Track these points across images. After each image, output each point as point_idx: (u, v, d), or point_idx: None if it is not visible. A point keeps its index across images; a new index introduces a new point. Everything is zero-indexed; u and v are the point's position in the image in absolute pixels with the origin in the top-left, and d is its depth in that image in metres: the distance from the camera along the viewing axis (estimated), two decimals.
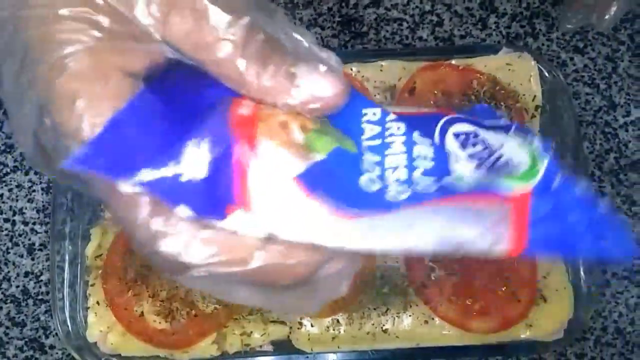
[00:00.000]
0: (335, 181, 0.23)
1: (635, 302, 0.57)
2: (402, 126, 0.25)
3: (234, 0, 0.23)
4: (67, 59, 0.21)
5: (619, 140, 0.60)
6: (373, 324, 0.49)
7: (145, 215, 0.22)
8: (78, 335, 0.50)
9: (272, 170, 0.22)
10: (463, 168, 0.24)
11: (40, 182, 0.59)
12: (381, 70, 0.54)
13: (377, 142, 0.25)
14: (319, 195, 0.22)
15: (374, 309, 0.50)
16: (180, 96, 0.23)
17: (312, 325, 0.49)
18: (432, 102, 0.53)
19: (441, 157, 0.25)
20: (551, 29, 0.62)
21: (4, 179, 0.60)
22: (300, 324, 0.50)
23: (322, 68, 0.23)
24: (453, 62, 0.54)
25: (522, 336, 0.49)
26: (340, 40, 0.62)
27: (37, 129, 0.23)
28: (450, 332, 0.49)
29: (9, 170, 0.60)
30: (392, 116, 0.26)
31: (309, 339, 0.49)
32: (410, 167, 0.24)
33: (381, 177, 0.24)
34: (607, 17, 0.43)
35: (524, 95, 0.53)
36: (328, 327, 0.49)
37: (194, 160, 0.22)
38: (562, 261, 0.51)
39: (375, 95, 0.54)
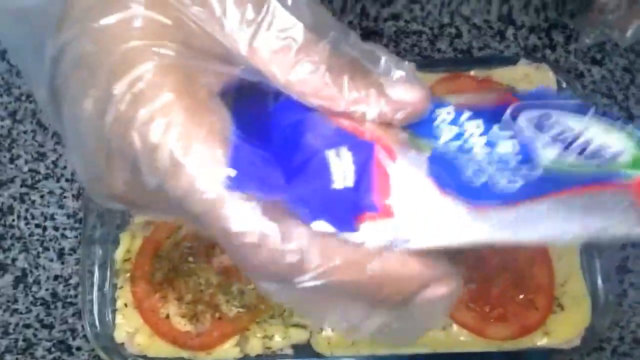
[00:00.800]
0: (451, 177, 0.23)
1: None
2: (480, 124, 0.25)
3: (318, 19, 0.24)
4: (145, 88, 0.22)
5: None
6: None
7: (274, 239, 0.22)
8: (106, 336, 0.52)
9: (409, 171, 0.23)
10: (549, 153, 0.24)
11: (71, 189, 0.62)
12: None
13: (458, 143, 0.25)
14: (449, 191, 0.23)
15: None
16: (255, 117, 0.24)
17: (332, 330, 0.51)
18: None
19: (525, 147, 0.24)
20: (569, 41, 0.63)
21: (36, 186, 0.62)
22: (321, 328, 0.51)
23: (404, 75, 0.25)
24: (472, 73, 0.56)
25: (539, 343, 0.50)
26: None
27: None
28: (468, 339, 0.50)
29: (41, 177, 0.62)
30: (466, 114, 0.25)
31: (328, 343, 0.50)
32: (501, 162, 0.24)
33: (482, 171, 0.24)
34: (627, 34, 0.44)
35: None
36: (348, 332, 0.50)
37: (341, 169, 0.22)
38: (580, 269, 0.51)
39: None
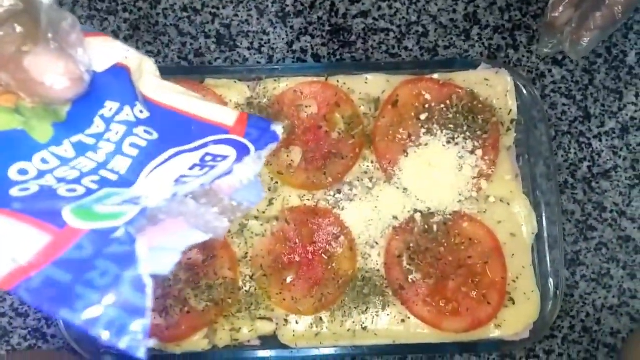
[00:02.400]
0: None
1: (602, 303, 0.61)
2: (122, 130, 0.27)
3: None
4: None
5: (593, 149, 0.63)
6: (354, 322, 0.53)
7: None
8: (77, 327, 0.53)
9: None
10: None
11: None
12: (366, 83, 0.57)
13: (91, 141, 0.27)
14: None
15: (355, 308, 0.53)
16: None
17: (297, 323, 0.53)
18: (413, 114, 0.56)
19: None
20: (531, 42, 0.65)
21: None
22: (286, 321, 0.53)
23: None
24: (435, 76, 0.57)
25: (491, 335, 0.53)
26: (330, 48, 0.64)
27: None
28: (425, 331, 0.53)
29: None
30: (123, 116, 0.27)
31: (293, 335, 0.53)
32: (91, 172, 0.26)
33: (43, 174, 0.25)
34: (579, 47, 0.46)
35: (500, 109, 0.57)
36: (312, 325, 0.53)
37: None
38: (530, 265, 0.54)
39: (360, 107, 0.57)
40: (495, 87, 0.57)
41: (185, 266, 0.53)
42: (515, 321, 0.53)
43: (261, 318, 0.53)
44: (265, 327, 0.53)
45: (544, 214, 0.55)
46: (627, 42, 0.65)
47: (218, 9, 0.64)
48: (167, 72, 0.49)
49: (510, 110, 0.57)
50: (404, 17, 0.66)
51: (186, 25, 0.64)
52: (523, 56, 0.65)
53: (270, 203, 0.55)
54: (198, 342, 0.53)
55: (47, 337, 0.60)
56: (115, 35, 0.64)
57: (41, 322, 0.60)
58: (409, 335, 0.53)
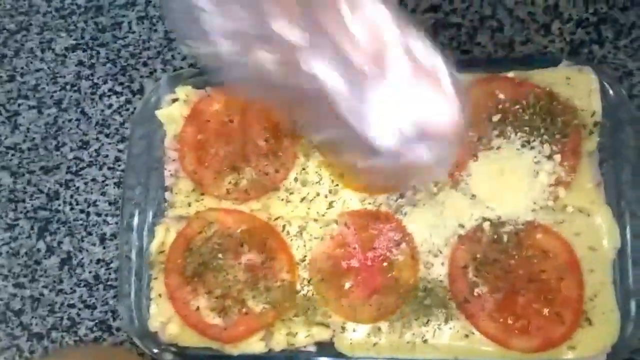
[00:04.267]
0: None
1: None
2: None
3: None
4: None
5: None
6: (413, 334, 0.51)
7: None
8: (141, 323, 0.55)
9: None
10: None
11: (113, 177, 0.64)
12: None
13: None
14: None
15: (416, 319, 0.51)
16: None
17: (354, 331, 0.52)
18: (484, 115, 0.53)
19: None
20: (619, 37, 0.59)
21: (80, 173, 0.65)
22: (344, 328, 0.52)
23: None
24: (510, 74, 0.54)
25: (564, 357, 0.49)
26: None
27: None
28: (490, 348, 0.50)
29: (84, 165, 0.65)
30: None
31: (350, 344, 0.51)
32: None
33: None
34: None
35: (582, 110, 0.52)
36: (370, 334, 0.51)
37: None
38: (611, 283, 0.50)
39: None
40: (578, 86, 0.52)
41: (244, 267, 0.53)
42: (591, 343, 0.49)
43: (318, 324, 0.52)
44: (322, 334, 0.52)
45: (628, 227, 0.51)
46: None
47: None
48: None
49: (594, 112, 0.52)
50: (476, 11, 0.62)
51: None
52: (609, 52, 0.59)
53: (330, 206, 0.53)
54: (255, 344, 0.52)
55: (112, 329, 0.61)
56: None
57: (107, 315, 0.62)
58: (472, 352, 0.50)
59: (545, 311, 0.49)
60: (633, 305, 0.49)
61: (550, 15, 0.61)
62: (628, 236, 0.51)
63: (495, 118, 0.53)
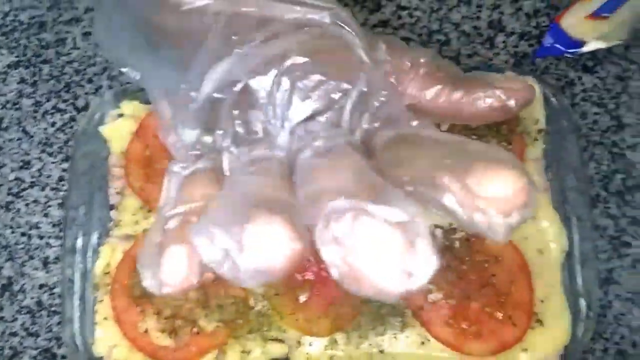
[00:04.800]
0: None
1: (638, 324, 0.56)
2: None
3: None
4: None
5: (627, 160, 0.59)
6: (370, 345, 0.50)
7: None
8: (86, 349, 0.52)
9: None
10: None
11: (56, 198, 0.62)
12: None
13: None
14: None
15: (372, 329, 0.50)
16: None
17: (310, 345, 0.50)
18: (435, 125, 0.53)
19: None
20: None
21: (21, 194, 0.62)
22: (299, 342, 0.51)
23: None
24: None
25: None
26: None
27: None
28: (446, 354, 0.49)
29: (26, 185, 0.62)
30: None
31: (307, 358, 0.50)
32: None
33: None
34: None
35: (525, 118, 0.53)
36: (326, 347, 0.50)
37: None
38: (560, 284, 0.51)
39: None
40: None
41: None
42: (543, 344, 0.49)
43: (273, 340, 0.51)
44: (278, 350, 0.51)
45: (574, 230, 0.52)
46: None
47: None
48: None
49: (537, 120, 0.54)
50: (424, 26, 0.64)
51: None
52: (551, 63, 0.62)
53: None
54: None
55: (57, 358, 0.58)
56: None
57: (52, 342, 0.59)
58: (429, 359, 0.49)
59: (498, 315, 0.49)
60: (583, 305, 0.50)
61: (494, 29, 0.63)
62: (575, 239, 0.52)
63: (444, 128, 0.53)
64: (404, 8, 0.64)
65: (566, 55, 0.58)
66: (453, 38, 0.63)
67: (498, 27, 0.63)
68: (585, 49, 0.56)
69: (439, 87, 0.35)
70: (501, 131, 0.52)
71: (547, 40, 0.57)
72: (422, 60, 0.36)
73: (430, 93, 0.34)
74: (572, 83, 0.61)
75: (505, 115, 0.35)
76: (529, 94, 0.34)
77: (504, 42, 0.63)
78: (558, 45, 0.56)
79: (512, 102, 0.33)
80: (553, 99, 0.54)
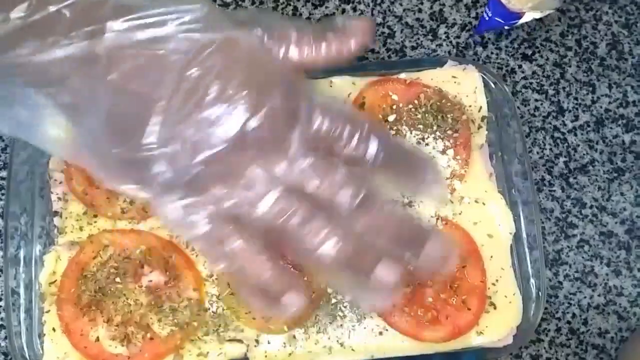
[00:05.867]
0: None
1: (588, 302, 0.59)
2: None
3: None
4: None
5: (568, 144, 0.62)
6: (329, 338, 0.50)
7: None
8: None
9: None
10: None
11: None
12: (331, 86, 0.55)
13: None
14: None
15: (330, 323, 0.50)
16: None
17: (268, 343, 0.50)
18: (380, 116, 0.54)
19: None
20: (500, 38, 0.63)
21: None
22: (257, 341, 0.50)
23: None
24: (401, 76, 0.55)
25: (474, 343, 0.50)
26: None
27: None
28: (404, 343, 0.50)
29: None
30: None
31: (265, 357, 0.50)
32: None
33: None
34: None
35: (469, 106, 0.55)
36: (285, 344, 0.50)
37: None
38: (510, 267, 0.52)
39: None
40: (464, 84, 0.55)
41: (146, 289, 0.50)
42: (497, 326, 0.50)
43: (230, 340, 0.50)
44: (235, 350, 0.50)
45: (521, 213, 0.53)
46: (597, 34, 0.64)
47: None
48: None
49: (480, 108, 0.55)
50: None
51: None
52: (492, 53, 0.63)
53: None
54: None
55: None
56: None
57: None
58: (388, 349, 0.50)
59: (453, 300, 0.50)
60: (532, 286, 0.52)
61: (436, 21, 0.64)
62: (522, 222, 0.53)
63: (391, 118, 0.54)
64: (347, 1, 0.64)
65: (506, 27, 0.58)
66: (397, 30, 0.64)
67: (440, 19, 0.64)
68: (523, 19, 0.56)
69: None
70: (447, 120, 0.53)
71: (487, 14, 0.57)
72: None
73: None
74: (512, 71, 0.63)
75: (348, 54, 0.36)
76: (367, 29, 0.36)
77: (445, 33, 0.64)
78: (497, 18, 0.57)
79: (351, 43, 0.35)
80: (495, 87, 0.56)
